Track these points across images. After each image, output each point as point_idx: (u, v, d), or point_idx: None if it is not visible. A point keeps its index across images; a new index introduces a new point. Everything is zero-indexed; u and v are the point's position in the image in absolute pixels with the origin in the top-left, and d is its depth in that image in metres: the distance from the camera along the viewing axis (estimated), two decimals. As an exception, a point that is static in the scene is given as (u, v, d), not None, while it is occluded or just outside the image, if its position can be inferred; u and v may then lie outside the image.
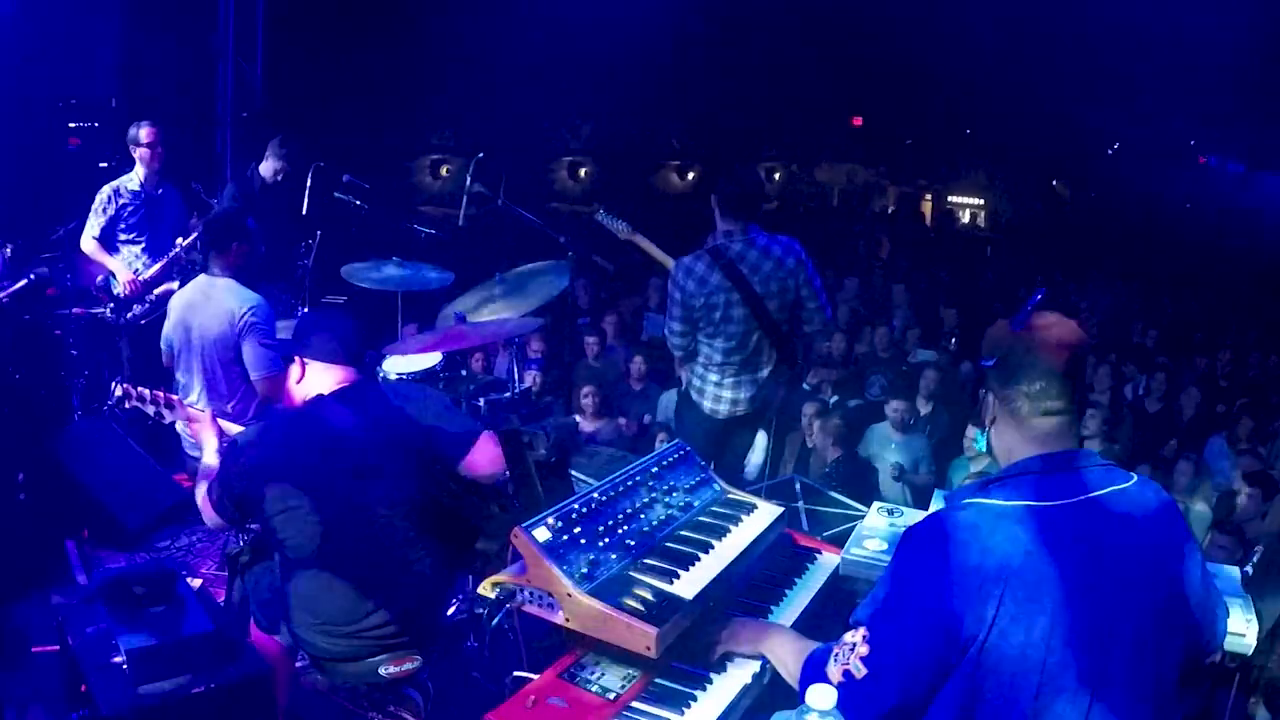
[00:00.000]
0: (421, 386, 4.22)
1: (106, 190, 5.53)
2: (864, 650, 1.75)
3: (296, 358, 2.93)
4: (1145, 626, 1.74)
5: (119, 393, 3.45)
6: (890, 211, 19.84)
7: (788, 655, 2.12)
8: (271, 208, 5.94)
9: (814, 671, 1.85)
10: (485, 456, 2.90)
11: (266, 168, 6.04)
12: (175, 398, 3.45)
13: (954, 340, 9.14)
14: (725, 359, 4.21)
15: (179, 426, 4.18)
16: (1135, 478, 1.85)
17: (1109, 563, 1.72)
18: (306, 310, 5.43)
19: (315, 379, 2.89)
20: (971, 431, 5.91)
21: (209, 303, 4.03)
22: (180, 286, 4.55)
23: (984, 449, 1.93)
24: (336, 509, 2.72)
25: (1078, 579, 1.69)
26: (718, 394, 4.28)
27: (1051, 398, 1.81)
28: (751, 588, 2.69)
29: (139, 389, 3.40)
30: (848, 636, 1.80)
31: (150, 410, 3.40)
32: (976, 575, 1.68)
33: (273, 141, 6.11)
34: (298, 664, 3.11)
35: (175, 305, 4.15)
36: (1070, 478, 1.79)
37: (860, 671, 1.74)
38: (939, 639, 1.69)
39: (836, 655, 1.80)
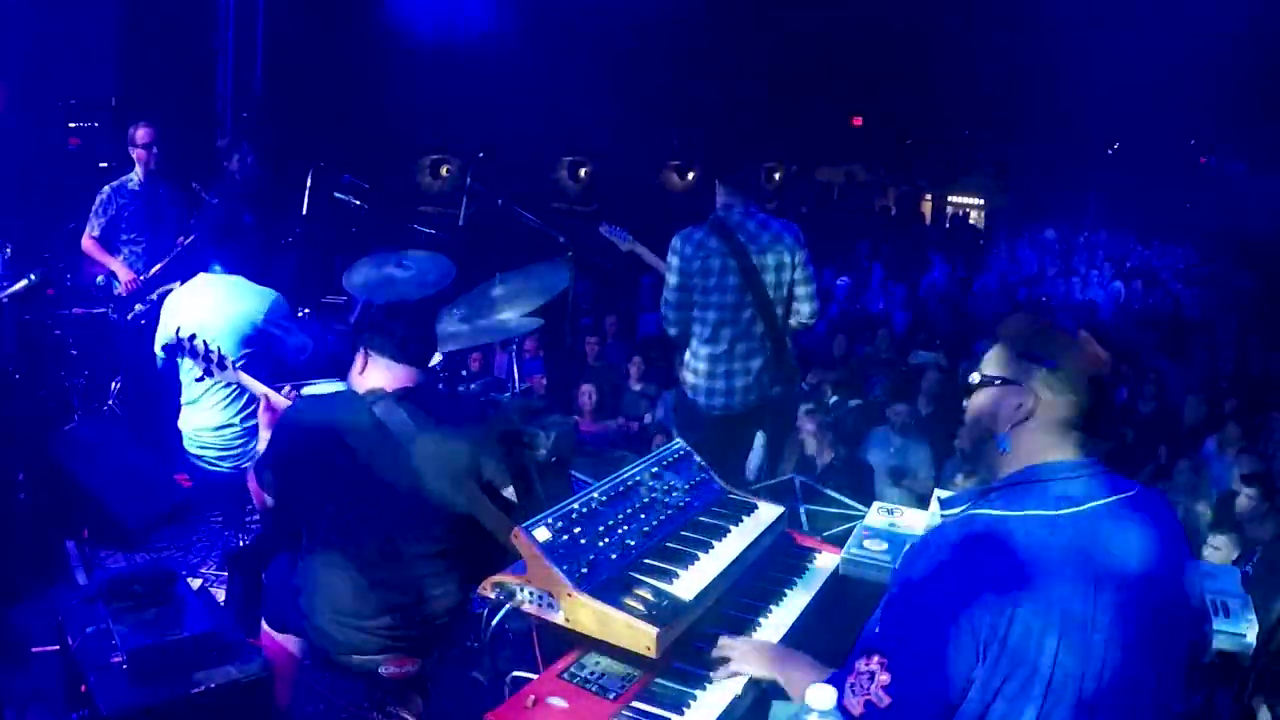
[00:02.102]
0: (486, 405, 4.19)
1: (106, 190, 5.54)
2: (885, 678, 1.69)
3: (361, 348, 2.88)
4: (1149, 632, 1.73)
5: (175, 340, 3.46)
6: (891, 212, 19.85)
7: (804, 684, 2.07)
8: (265, 209, 5.93)
9: None
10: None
11: (237, 171, 6.04)
12: (230, 359, 3.44)
13: (939, 341, 9.14)
14: (715, 333, 4.18)
15: (180, 424, 4.19)
16: (1138, 487, 1.83)
17: (1116, 573, 1.71)
18: (377, 302, 5.40)
19: (377, 374, 2.84)
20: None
21: (221, 301, 4.01)
22: (182, 284, 4.54)
23: (1009, 450, 1.83)
24: (371, 505, 2.72)
25: (1085, 586, 1.69)
26: (710, 386, 4.25)
27: (1091, 415, 1.80)
28: (751, 588, 2.69)
29: (194, 341, 3.42)
30: (862, 665, 1.74)
31: (200, 365, 3.41)
32: (988, 586, 1.66)
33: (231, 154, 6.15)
34: (298, 664, 3.11)
35: (175, 305, 4.14)
36: (1075, 486, 1.77)
37: (884, 701, 1.68)
38: (960, 656, 1.66)
39: (854, 686, 1.74)
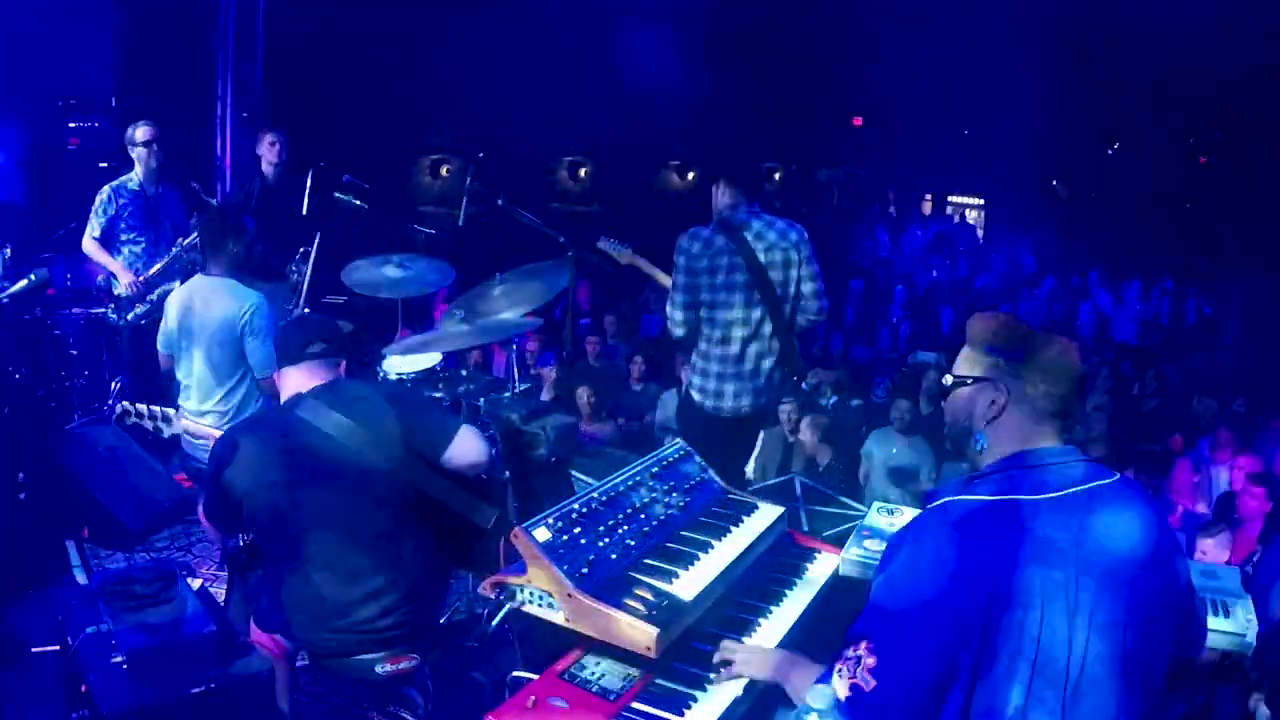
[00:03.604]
0: (400, 384, 4.23)
1: (106, 190, 5.53)
2: (871, 661, 1.72)
3: (276, 371, 3.02)
4: (1134, 615, 1.74)
5: (119, 411, 3.53)
6: (890, 211, 19.85)
7: (805, 686, 2.09)
8: (272, 209, 5.93)
9: None
10: (466, 449, 2.90)
11: (265, 164, 6.05)
12: (171, 411, 3.55)
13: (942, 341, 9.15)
14: (726, 334, 4.15)
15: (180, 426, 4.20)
16: (1118, 475, 1.86)
17: (1096, 556, 1.73)
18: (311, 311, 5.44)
19: (292, 382, 2.94)
20: None
21: (209, 303, 4.02)
22: (181, 285, 4.55)
23: (984, 447, 1.89)
24: (316, 505, 2.75)
25: (1065, 570, 1.71)
26: (720, 388, 4.22)
27: (1071, 403, 1.85)
28: (751, 588, 2.69)
29: (136, 405, 3.52)
30: (849, 651, 1.76)
31: (149, 425, 3.52)
32: (969, 569, 1.68)
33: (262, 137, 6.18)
34: (298, 664, 3.11)
35: (173, 306, 4.15)
36: (1055, 472, 1.80)
37: (870, 683, 1.71)
38: (944, 637, 1.68)
39: (840, 670, 1.76)
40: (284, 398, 2.96)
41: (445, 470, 2.92)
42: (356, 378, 3.20)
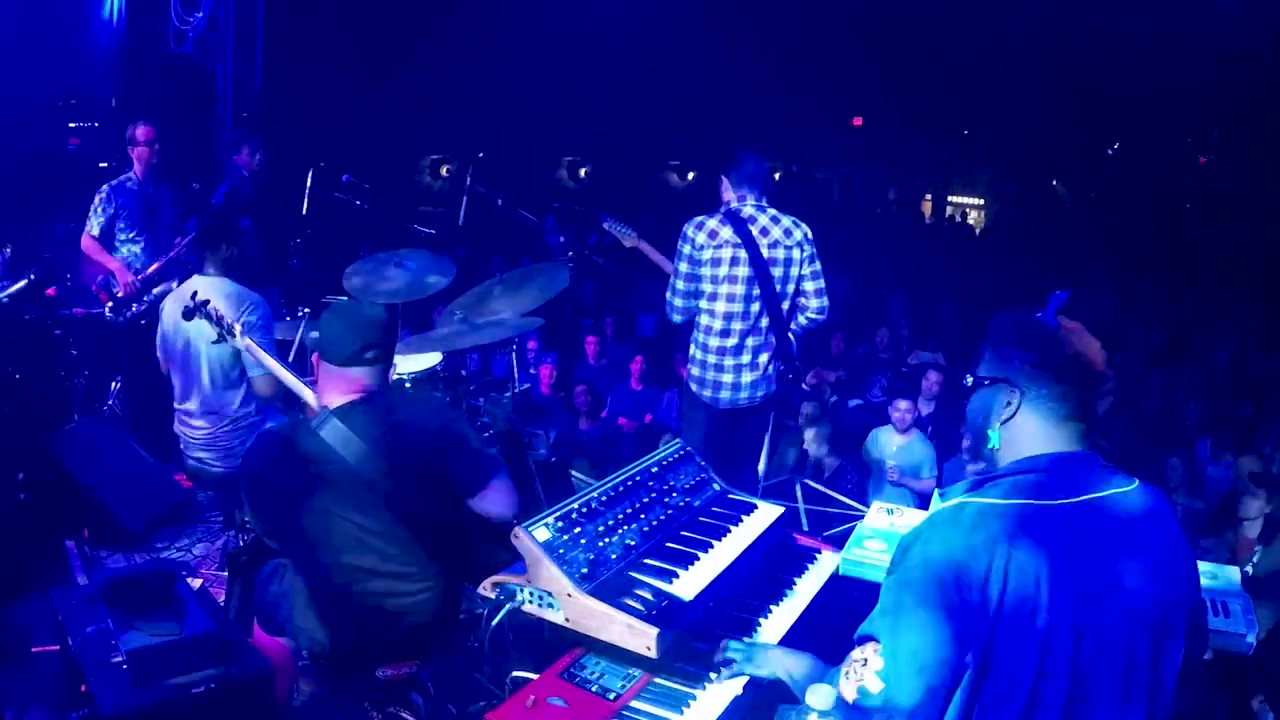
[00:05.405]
0: (452, 413, 4.18)
1: (105, 189, 5.54)
2: (878, 664, 1.71)
3: (313, 353, 2.93)
4: (1142, 627, 1.73)
5: (190, 305, 3.63)
6: (891, 211, 19.86)
7: (809, 682, 2.07)
8: (269, 209, 5.93)
9: None
10: (495, 500, 2.75)
11: (246, 170, 6.00)
12: (238, 327, 3.61)
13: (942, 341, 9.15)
14: (726, 326, 4.18)
15: (178, 427, 4.20)
16: (1137, 482, 1.83)
17: (1108, 564, 1.71)
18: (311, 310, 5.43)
19: (328, 384, 2.77)
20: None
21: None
22: (179, 286, 4.55)
23: (997, 446, 1.87)
24: (332, 527, 2.69)
25: (1075, 579, 1.69)
26: (718, 379, 4.25)
27: (1084, 405, 1.83)
28: (751, 588, 2.68)
29: (208, 306, 3.60)
30: (856, 653, 1.75)
31: (214, 330, 3.60)
32: (979, 573, 1.66)
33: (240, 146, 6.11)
34: (298, 664, 3.11)
35: (169, 307, 4.14)
36: (1071, 477, 1.78)
37: (876, 686, 1.70)
38: (952, 641, 1.67)
39: (847, 673, 1.75)
40: (320, 399, 2.79)
41: (470, 512, 2.80)
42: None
